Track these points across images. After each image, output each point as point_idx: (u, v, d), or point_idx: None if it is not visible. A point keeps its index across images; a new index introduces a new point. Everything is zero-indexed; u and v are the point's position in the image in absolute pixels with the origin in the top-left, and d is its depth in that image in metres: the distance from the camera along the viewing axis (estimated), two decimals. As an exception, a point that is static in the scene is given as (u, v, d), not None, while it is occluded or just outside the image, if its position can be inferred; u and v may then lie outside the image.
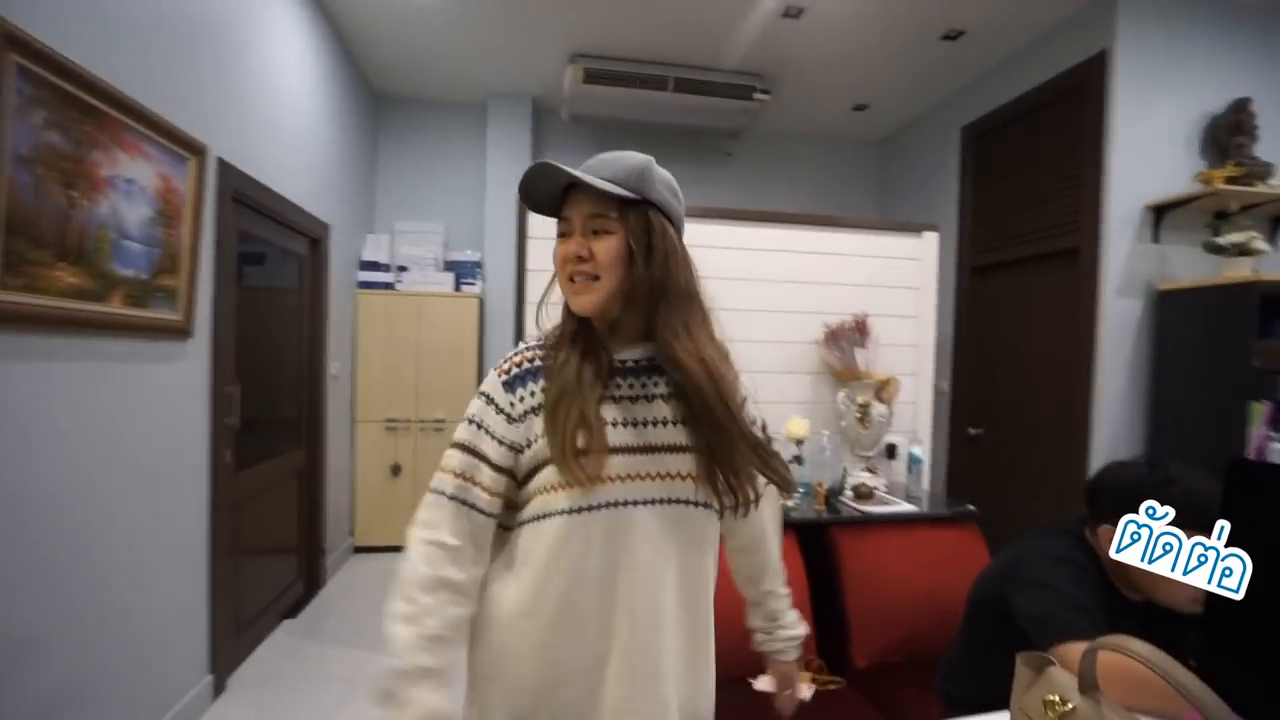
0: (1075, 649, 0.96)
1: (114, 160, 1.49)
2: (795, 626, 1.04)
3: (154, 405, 1.72)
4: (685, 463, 0.76)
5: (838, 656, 1.67)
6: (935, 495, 2.14)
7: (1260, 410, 2.41)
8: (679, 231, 0.82)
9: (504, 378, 0.81)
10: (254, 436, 2.40)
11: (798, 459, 2.14)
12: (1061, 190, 2.86)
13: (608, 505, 0.72)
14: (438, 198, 3.91)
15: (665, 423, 0.77)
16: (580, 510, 0.72)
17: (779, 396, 2.32)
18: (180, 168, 1.76)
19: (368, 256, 3.53)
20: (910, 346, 2.44)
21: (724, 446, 0.75)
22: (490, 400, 0.80)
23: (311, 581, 2.94)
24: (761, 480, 0.80)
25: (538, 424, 0.76)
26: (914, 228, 2.48)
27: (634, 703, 0.71)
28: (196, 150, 1.81)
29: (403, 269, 3.59)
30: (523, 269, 2.14)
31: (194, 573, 1.94)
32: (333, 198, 3.12)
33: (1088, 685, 0.54)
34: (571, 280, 0.78)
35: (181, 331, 1.80)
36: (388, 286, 3.52)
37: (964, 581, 1.79)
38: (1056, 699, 0.54)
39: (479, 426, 0.79)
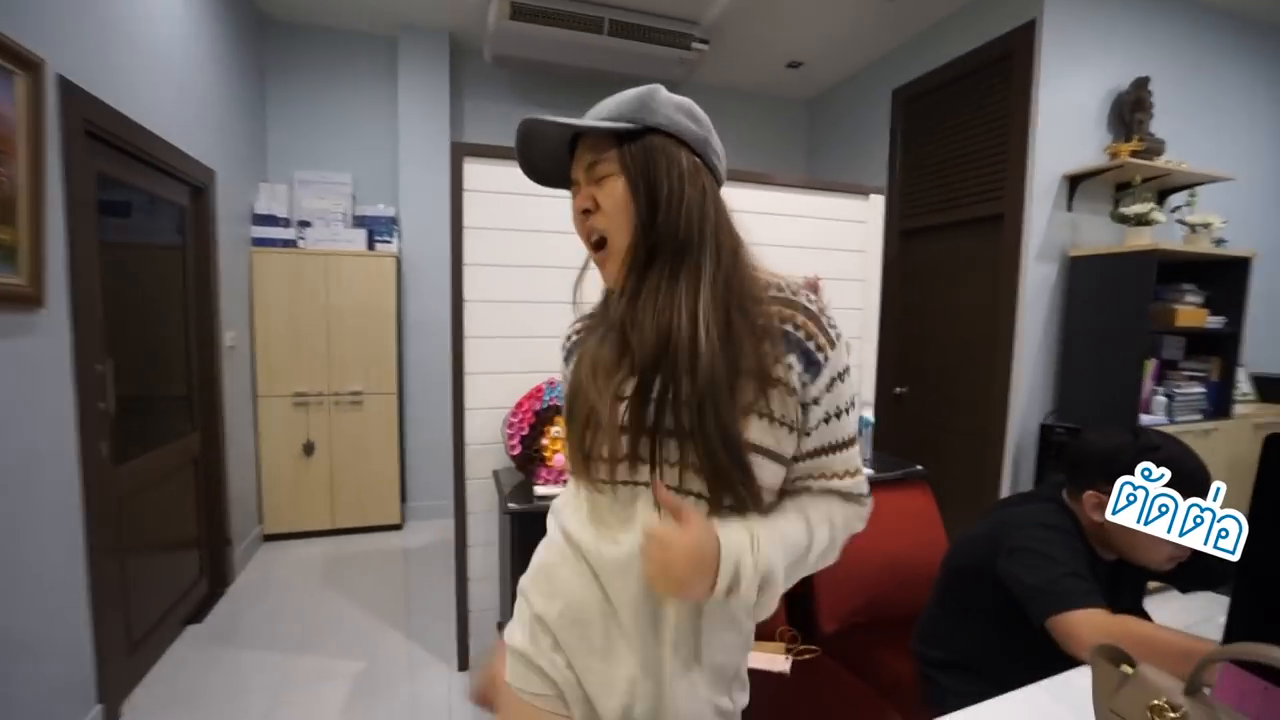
0: (1081, 617, 0.98)
1: (-92, 71, 1.12)
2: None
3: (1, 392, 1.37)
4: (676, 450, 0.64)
5: (806, 624, 1.68)
6: (880, 456, 2.19)
7: (1149, 366, 2.68)
8: (702, 157, 0.68)
9: (563, 352, 0.81)
10: (135, 421, 2.03)
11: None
12: (988, 157, 2.96)
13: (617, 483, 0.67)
14: (344, 146, 3.46)
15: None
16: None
17: (733, 362, 2.27)
18: (4, 85, 1.37)
19: (262, 209, 3.08)
20: (856, 310, 2.46)
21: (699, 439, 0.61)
22: (562, 368, 0.81)
23: (217, 579, 2.61)
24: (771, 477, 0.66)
25: None
26: (861, 190, 2.47)
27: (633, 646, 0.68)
28: (29, 64, 1.42)
29: (305, 224, 3.16)
30: (459, 226, 1.91)
31: (69, 588, 1.62)
32: (216, 139, 2.65)
33: (1195, 688, 0.50)
34: (594, 246, 0.70)
35: (28, 299, 1.44)
36: (289, 244, 3.09)
37: (920, 541, 1.86)
38: (1164, 704, 0.50)
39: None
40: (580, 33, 3.15)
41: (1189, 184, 2.85)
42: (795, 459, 0.68)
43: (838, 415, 0.67)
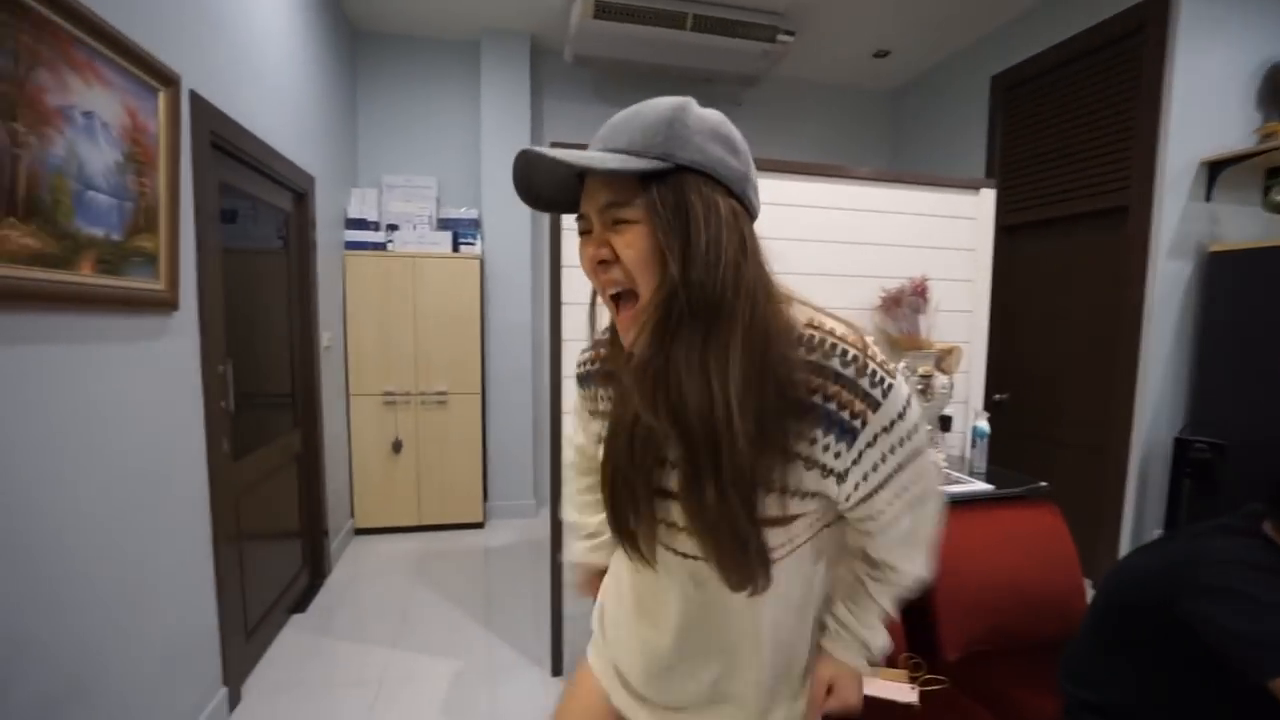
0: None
1: (66, 85, 1.18)
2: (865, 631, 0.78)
3: (139, 393, 1.44)
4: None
5: (925, 650, 1.56)
6: (996, 470, 2.03)
7: (1308, 375, 2.36)
8: (740, 198, 0.59)
9: (578, 373, 0.80)
10: (247, 419, 2.12)
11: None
12: (1109, 145, 2.70)
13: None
14: (427, 149, 3.54)
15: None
16: None
17: (832, 367, 2.16)
18: (150, 101, 1.44)
19: (354, 213, 3.18)
20: (964, 312, 2.30)
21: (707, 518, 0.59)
22: (577, 389, 0.81)
23: (316, 570, 2.71)
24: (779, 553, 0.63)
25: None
26: (970, 184, 2.30)
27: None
28: (168, 80, 1.48)
29: (393, 227, 3.25)
30: (557, 228, 1.88)
31: (198, 579, 1.70)
32: (315, 146, 2.75)
33: None
34: (613, 299, 0.61)
35: (166, 303, 1.51)
36: (379, 247, 3.19)
37: (1049, 565, 1.70)
38: None
39: (576, 412, 0.85)
40: (663, 29, 3.10)
41: (1356, 168, 2.51)
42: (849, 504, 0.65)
43: (873, 469, 0.60)
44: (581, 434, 0.86)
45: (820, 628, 0.78)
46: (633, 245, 0.56)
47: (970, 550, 1.63)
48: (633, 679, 0.79)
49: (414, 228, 3.26)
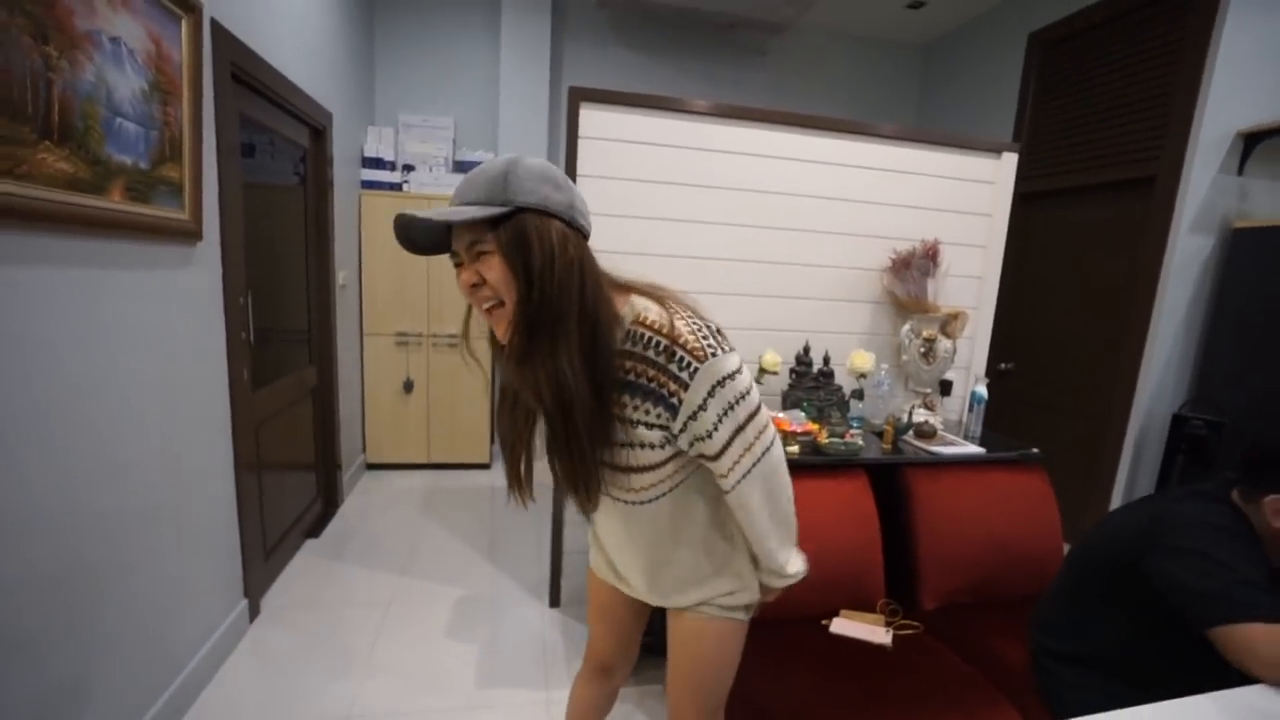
0: (1261, 631, 0.90)
1: (92, 8, 1.19)
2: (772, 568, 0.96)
3: (166, 319, 1.51)
4: None
5: (907, 601, 1.65)
6: (991, 435, 2.07)
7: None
8: (570, 223, 0.75)
9: None
10: (265, 352, 2.20)
11: (858, 394, 2.04)
12: (1143, 111, 2.62)
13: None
14: (445, 89, 3.49)
15: None
16: None
17: (839, 326, 2.18)
18: (173, 28, 1.44)
19: (370, 152, 3.18)
20: (975, 278, 2.29)
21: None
22: None
23: (329, 500, 2.85)
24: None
25: None
26: (993, 147, 2.25)
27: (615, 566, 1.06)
28: (190, 6, 1.48)
29: (409, 168, 3.25)
30: (573, 174, 1.89)
31: (223, 496, 1.81)
32: (333, 82, 2.73)
33: None
34: (486, 310, 0.77)
35: (190, 233, 1.55)
36: (395, 187, 3.19)
37: (1033, 525, 1.77)
38: None
39: None
40: (689, -30, 2.99)
41: (1397, 147, 2.43)
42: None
43: (708, 436, 0.77)
44: None
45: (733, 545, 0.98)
46: (493, 269, 0.73)
47: (957, 508, 1.70)
48: (606, 561, 1.10)
49: (430, 169, 3.26)
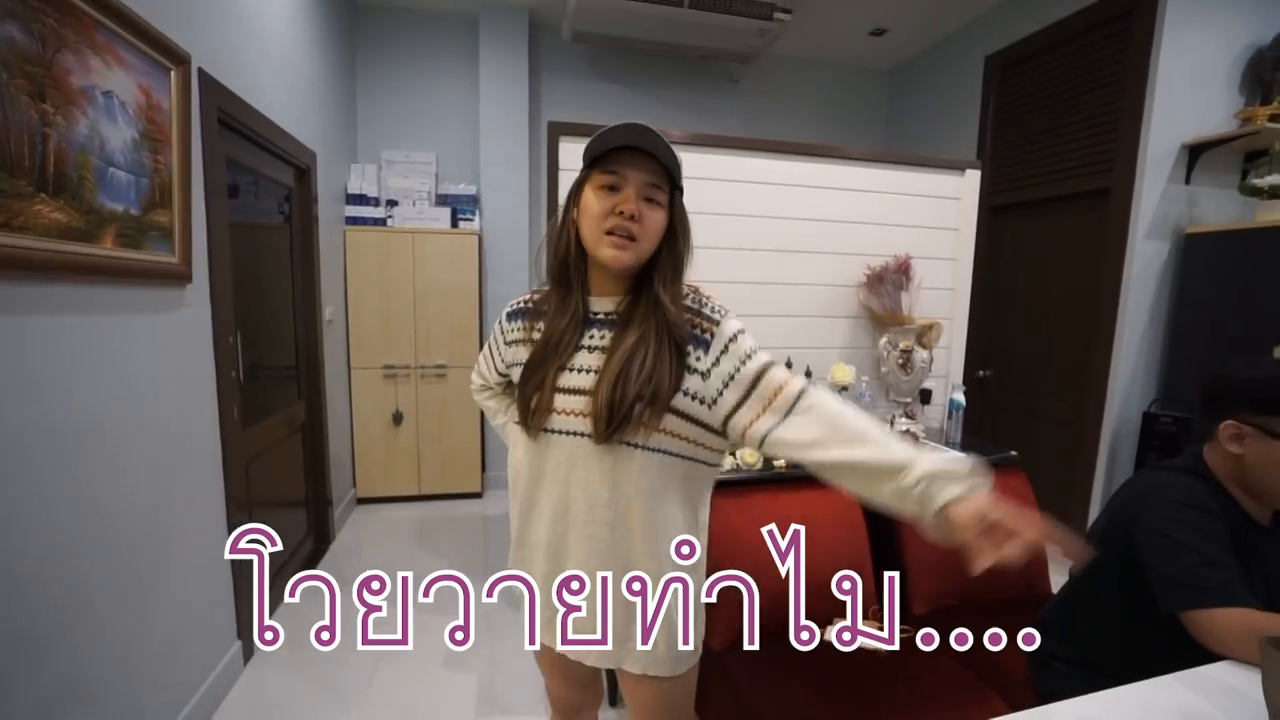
0: (1220, 615, 0.94)
1: (88, 67, 1.24)
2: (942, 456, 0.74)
3: (159, 361, 1.52)
4: (585, 403, 0.85)
5: (900, 607, 1.68)
6: (972, 440, 2.13)
7: None
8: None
9: (509, 309, 1.02)
10: (254, 390, 2.21)
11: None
12: (1095, 127, 2.76)
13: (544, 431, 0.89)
14: (426, 125, 3.57)
15: (589, 371, 0.86)
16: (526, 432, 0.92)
17: (820, 341, 2.25)
18: (163, 79, 1.49)
19: (354, 189, 3.23)
20: (947, 290, 2.38)
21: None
22: (498, 323, 1.03)
23: (321, 536, 2.83)
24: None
25: (521, 353, 0.94)
26: (956, 164, 2.36)
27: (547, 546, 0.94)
28: (179, 59, 1.53)
29: (392, 203, 3.30)
30: (555, 206, 1.95)
31: (213, 537, 1.81)
32: (317, 122, 2.79)
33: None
34: (622, 232, 0.83)
35: (180, 276, 1.58)
36: (379, 222, 3.24)
37: (1015, 527, 1.82)
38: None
39: (492, 339, 1.06)
40: (661, 6, 3.11)
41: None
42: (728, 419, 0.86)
43: (743, 363, 0.84)
44: (492, 359, 1.06)
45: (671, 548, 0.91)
46: (656, 220, 0.85)
47: (941, 513, 1.74)
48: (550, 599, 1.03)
49: (413, 203, 3.31)
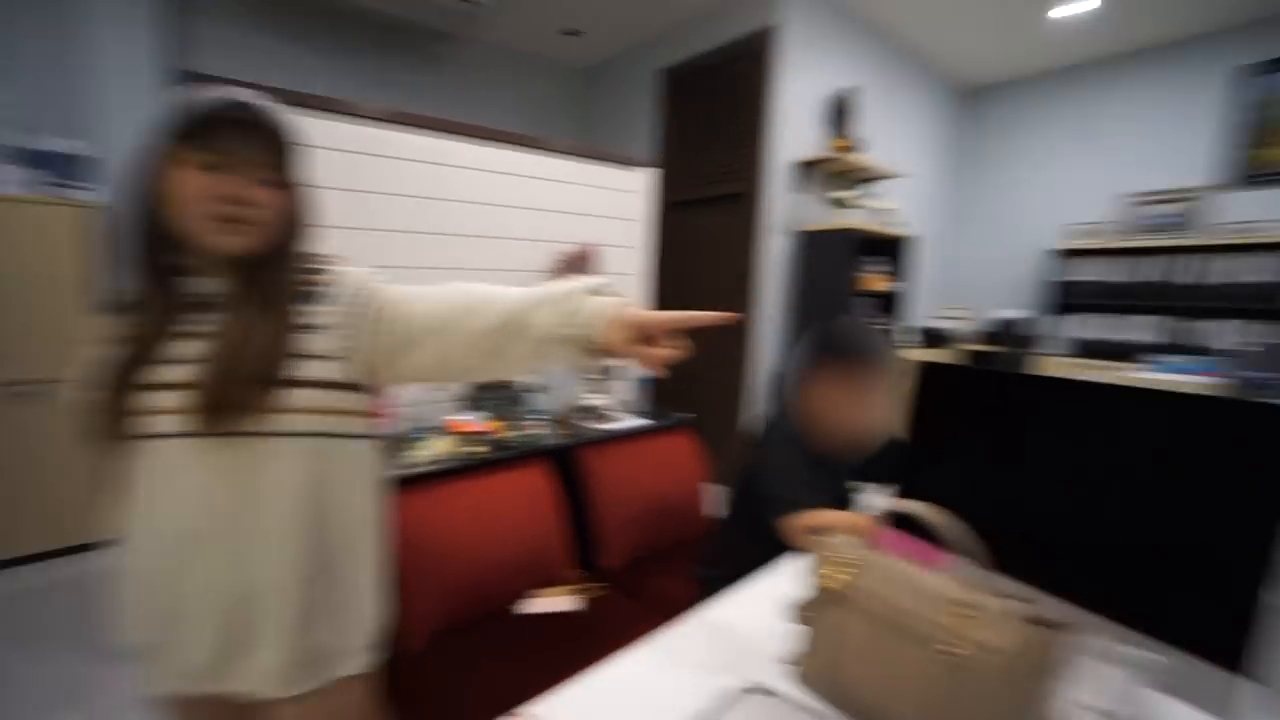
0: (795, 519, 1.24)
1: None
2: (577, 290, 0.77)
3: None
4: (186, 397, 0.74)
5: (593, 565, 1.83)
6: (655, 409, 2.44)
7: (853, 321, 3.37)
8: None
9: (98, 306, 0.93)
10: None
11: (540, 388, 2.19)
12: (739, 140, 3.38)
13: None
14: (-9, 54, 2.58)
15: (190, 363, 0.74)
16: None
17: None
18: None
19: None
20: (631, 275, 2.66)
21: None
22: (90, 323, 0.85)
23: None
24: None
25: (111, 353, 0.77)
26: (629, 161, 2.63)
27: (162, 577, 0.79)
28: None
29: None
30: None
31: None
32: None
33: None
34: (217, 218, 0.73)
35: None
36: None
37: (684, 478, 2.13)
38: (831, 554, 0.70)
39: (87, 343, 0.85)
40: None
41: (878, 177, 3.61)
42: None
43: (366, 299, 0.83)
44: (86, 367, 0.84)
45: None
46: (277, 203, 0.78)
47: (626, 475, 1.95)
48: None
49: (-28, 160, 2.38)
